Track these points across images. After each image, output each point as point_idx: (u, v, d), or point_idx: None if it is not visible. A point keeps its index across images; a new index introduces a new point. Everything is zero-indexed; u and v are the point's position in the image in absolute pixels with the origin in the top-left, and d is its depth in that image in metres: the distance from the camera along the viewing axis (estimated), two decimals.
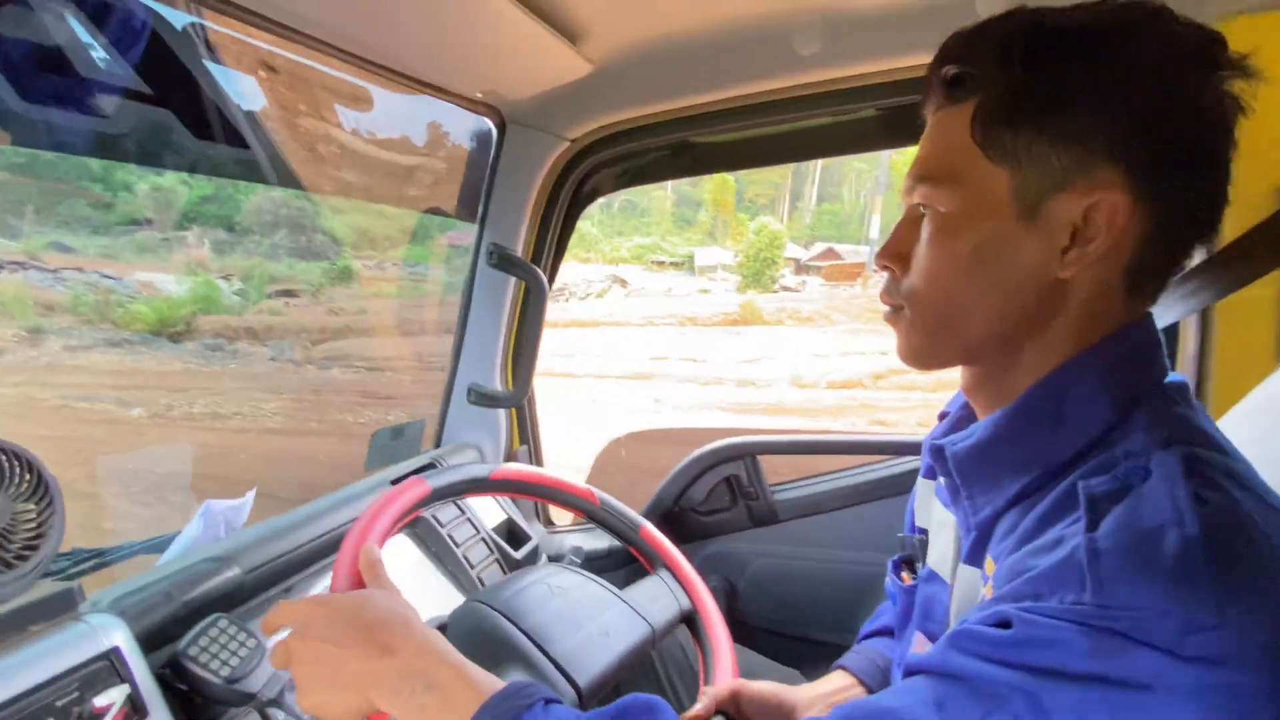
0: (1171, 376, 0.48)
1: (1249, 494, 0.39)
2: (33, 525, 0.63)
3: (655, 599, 0.87)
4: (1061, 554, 0.39)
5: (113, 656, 0.61)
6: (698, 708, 0.70)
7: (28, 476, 0.64)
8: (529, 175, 1.25)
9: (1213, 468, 0.40)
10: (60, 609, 0.62)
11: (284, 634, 0.54)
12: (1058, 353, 0.47)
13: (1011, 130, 0.44)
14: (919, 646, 0.60)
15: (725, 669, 0.79)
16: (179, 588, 0.75)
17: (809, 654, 0.94)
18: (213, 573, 0.79)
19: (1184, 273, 0.49)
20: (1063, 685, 0.36)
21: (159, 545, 0.94)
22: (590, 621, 0.78)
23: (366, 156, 1.13)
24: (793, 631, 1.25)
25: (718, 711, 0.70)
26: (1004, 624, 0.39)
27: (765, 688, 0.72)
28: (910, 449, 1.29)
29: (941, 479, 0.57)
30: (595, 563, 1.32)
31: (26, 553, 0.62)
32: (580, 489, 0.96)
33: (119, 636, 0.62)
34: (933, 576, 0.60)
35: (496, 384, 1.40)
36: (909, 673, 0.44)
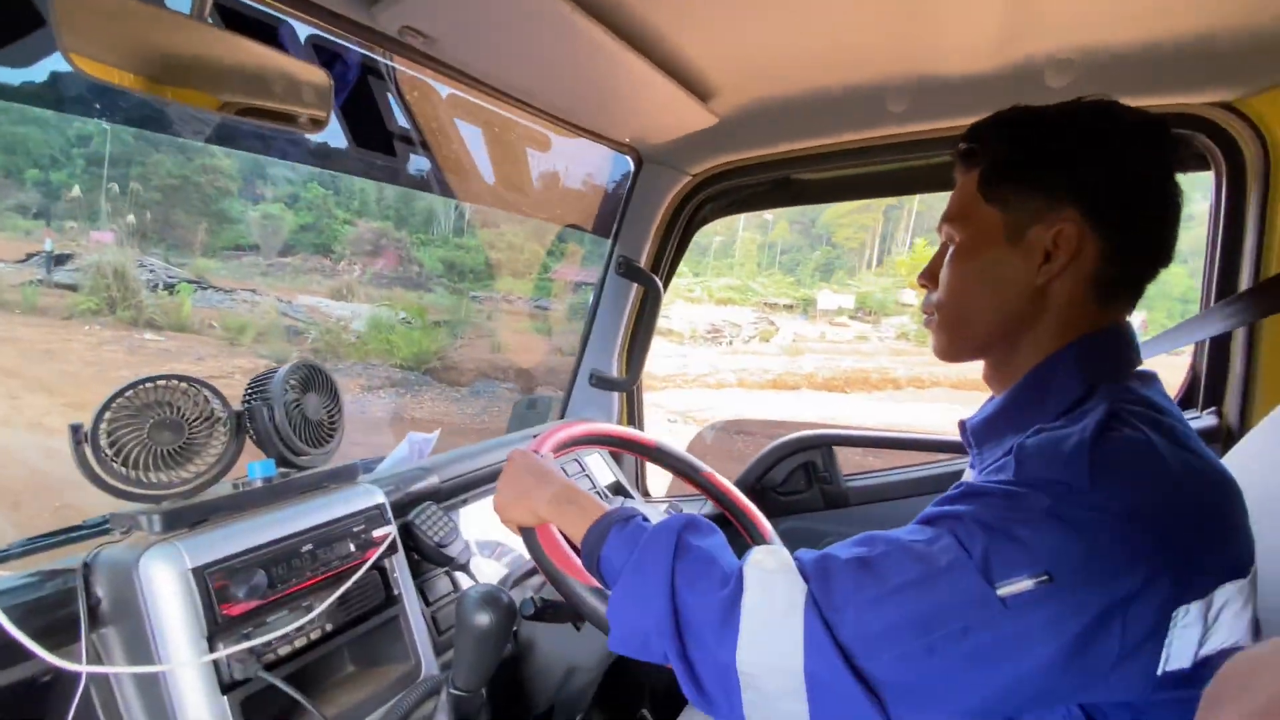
0: (1142, 369, 0.65)
1: (1166, 438, 0.55)
2: (333, 419, 0.95)
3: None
4: (1005, 459, 0.59)
5: (382, 509, 0.91)
6: None
7: (330, 387, 0.97)
8: (656, 202, 1.53)
9: (1137, 418, 0.56)
10: (349, 476, 0.93)
11: None
12: (1045, 347, 0.65)
13: (1002, 184, 0.66)
14: None
15: None
16: (404, 482, 1.06)
17: None
18: (421, 477, 1.11)
19: (1232, 296, 0.64)
20: (982, 512, 0.53)
21: (370, 465, 1.28)
22: None
23: (532, 184, 1.45)
24: None
25: None
26: (960, 489, 0.59)
27: None
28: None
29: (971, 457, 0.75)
30: None
31: (331, 434, 0.94)
32: (647, 439, 1.19)
33: (382, 498, 0.93)
34: None
35: (614, 371, 1.68)
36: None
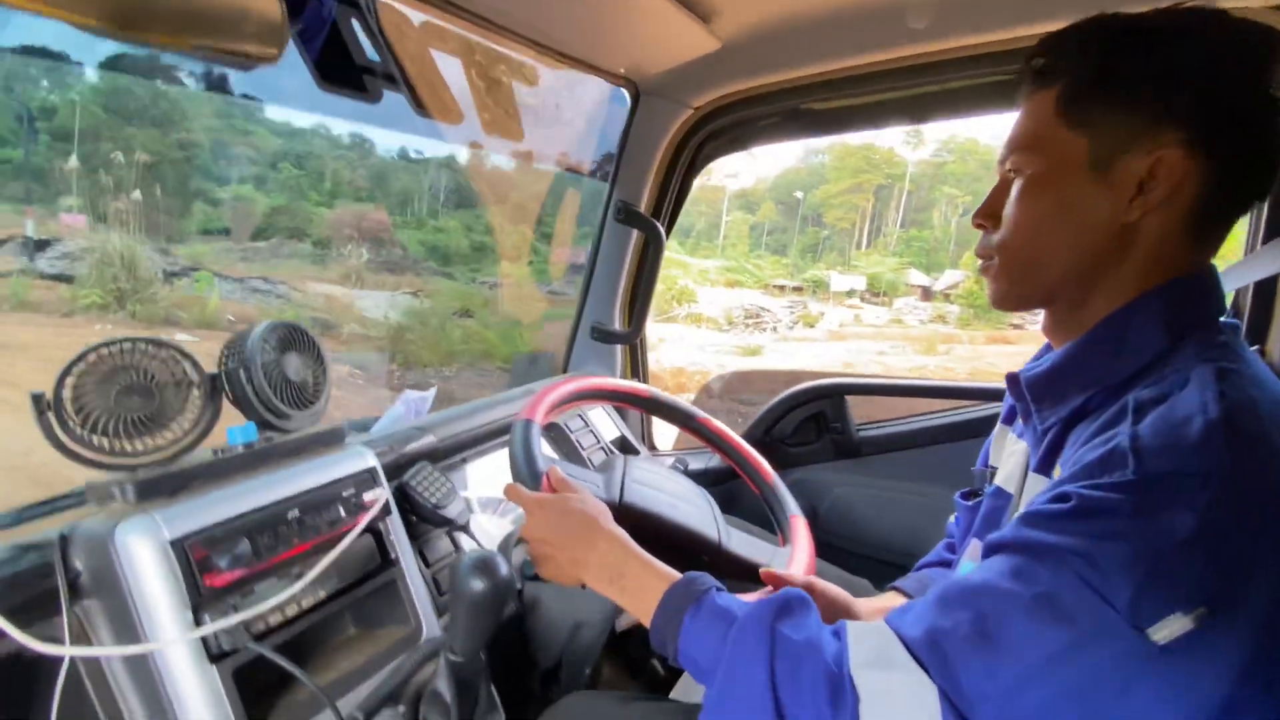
0: (1226, 320, 0.58)
1: (1268, 396, 0.49)
2: (317, 380, 0.91)
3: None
4: (1111, 445, 0.48)
5: (373, 472, 0.88)
6: (780, 573, 0.82)
7: (312, 348, 0.92)
8: (656, 140, 1.43)
9: (1239, 376, 0.50)
10: (335, 439, 0.89)
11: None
12: (1125, 292, 0.57)
13: (1090, 106, 0.56)
14: (973, 553, 0.72)
15: (803, 553, 0.94)
16: (399, 442, 1.03)
17: (878, 572, 1.08)
18: (417, 437, 1.07)
19: None
20: (1114, 544, 0.43)
21: (366, 425, 1.24)
22: (674, 496, 0.94)
23: (522, 125, 1.35)
24: (866, 552, 1.39)
25: None
26: (1063, 499, 0.47)
27: (835, 588, 0.83)
28: (986, 394, 1.37)
29: (1019, 415, 0.68)
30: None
31: (316, 396, 0.90)
32: (640, 388, 1.13)
33: (373, 461, 0.89)
34: (998, 493, 0.71)
35: (615, 324, 1.62)
36: (989, 549, 0.51)
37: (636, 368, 1.70)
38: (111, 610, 0.65)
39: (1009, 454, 0.72)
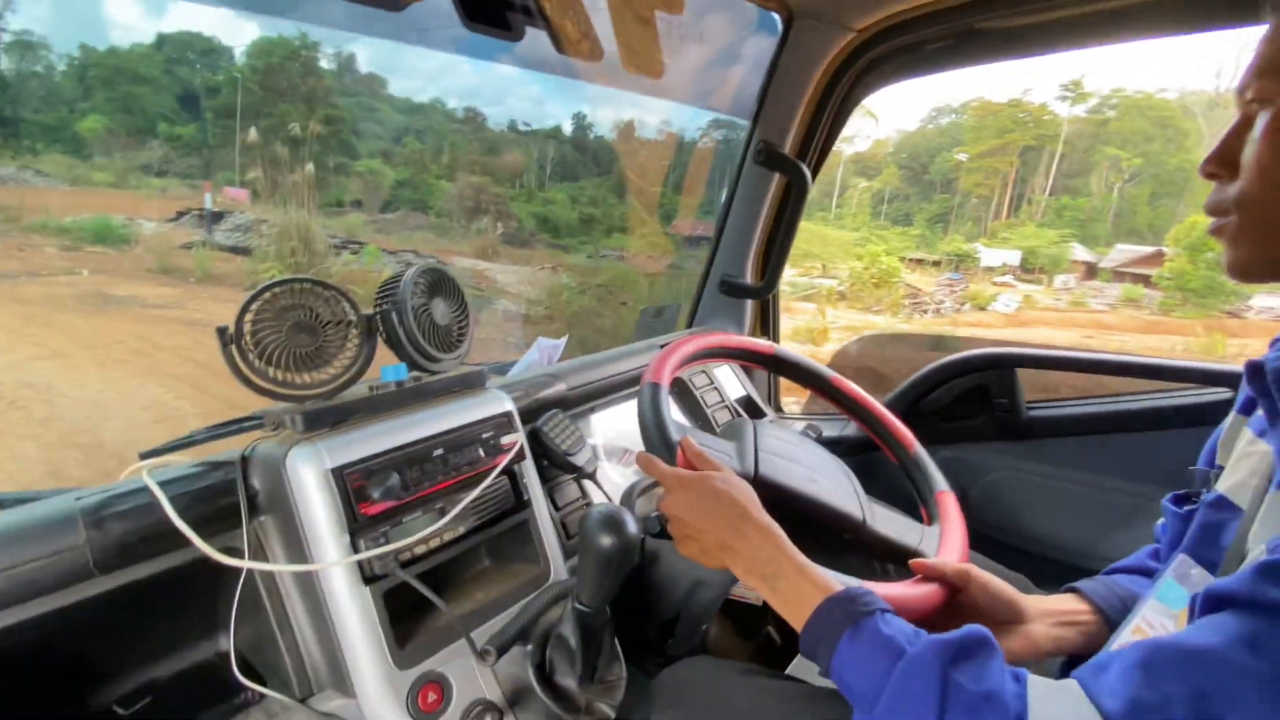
0: None
1: None
2: (461, 324, 0.93)
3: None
4: None
5: (509, 417, 0.89)
6: (931, 562, 0.72)
7: (456, 293, 0.94)
8: (807, 70, 1.28)
9: None
10: (477, 382, 0.91)
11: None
12: None
13: None
14: (1179, 570, 0.59)
15: (955, 535, 0.84)
16: (532, 388, 1.04)
17: (1037, 570, 0.94)
18: (549, 384, 1.08)
19: None
20: None
21: (503, 369, 1.28)
22: (811, 469, 0.86)
23: (662, 59, 1.27)
24: (1023, 545, 1.24)
25: (942, 581, 0.70)
26: None
27: (997, 581, 0.72)
28: (1208, 377, 1.12)
29: (1260, 407, 0.54)
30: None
31: (460, 341, 0.92)
32: (761, 345, 1.05)
33: (510, 405, 0.91)
34: (1222, 503, 0.58)
35: (747, 277, 1.53)
36: (1211, 601, 0.43)
37: (767, 324, 1.60)
38: (282, 527, 0.72)
39: (1242, 455, 0.58)
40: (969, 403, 1.34)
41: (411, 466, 0.77)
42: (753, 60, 1.35)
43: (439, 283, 0.90)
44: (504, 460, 0.85)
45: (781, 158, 1.37)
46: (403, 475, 0.75)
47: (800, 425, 1.53)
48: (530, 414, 1.00)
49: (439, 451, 0.80)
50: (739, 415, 1.37)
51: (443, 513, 0.78)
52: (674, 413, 1.29)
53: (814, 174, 1.41)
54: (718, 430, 1.33)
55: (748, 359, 1.06)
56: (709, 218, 1.67)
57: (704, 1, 1.19)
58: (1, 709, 0.63)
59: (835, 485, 0.85)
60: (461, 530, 0.81)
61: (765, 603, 0.62)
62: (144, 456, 0.78)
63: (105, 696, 0.71)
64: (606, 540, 0.68)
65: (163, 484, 0.68)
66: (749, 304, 1.56)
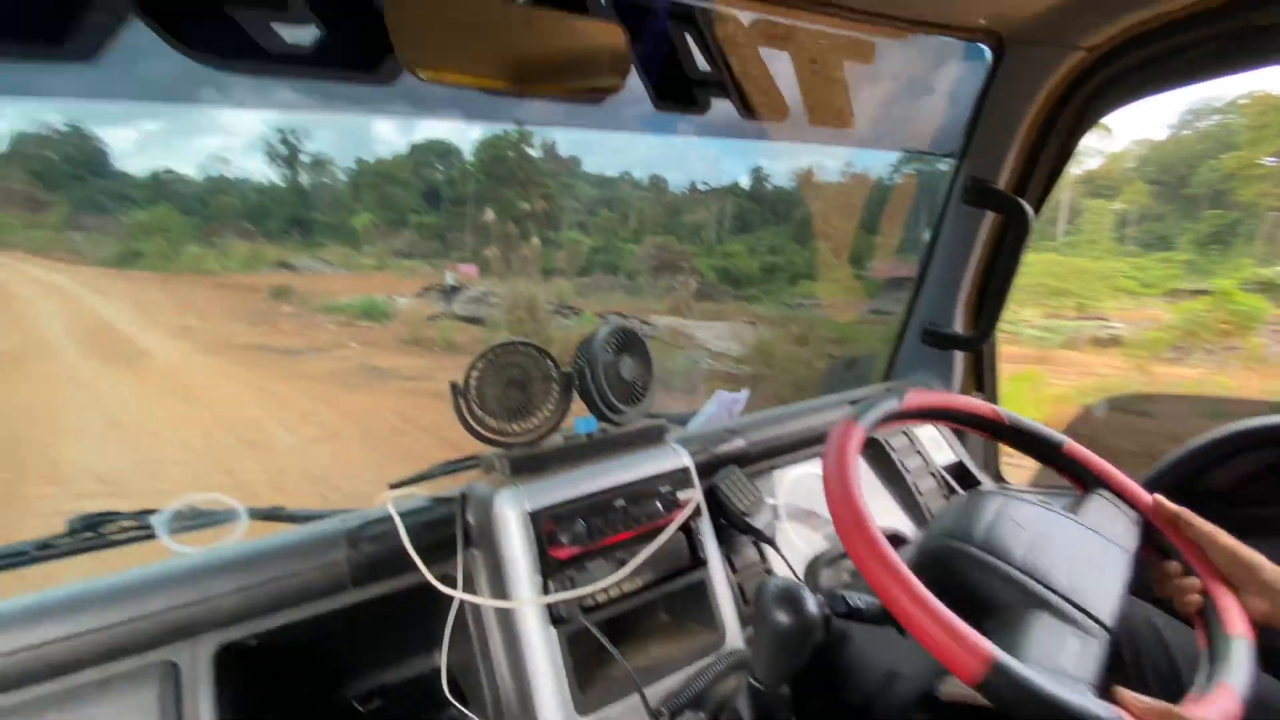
0: None
1: None
2: (644, 380, 0.98)
3: (1110, 521, 0.76)
4: None
5: (686, 472, 0.91)
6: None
7: (642, 350, 0.99)
8: (1025, 98, 1.15)
9: None
10: (657, 436, 0.95)
11: None
12: None
13: None
14: None
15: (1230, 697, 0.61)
16: (710, 443, 1.05)
17: None
18: (728, 440, 1.08)
19: None
20: None
21: (684, 420, 1.31)
22: (1068, 550, 0.72)
23: (853, 106, 1.23)
24: None
25: None
26: None
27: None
28: None
29: None
30: None
31: (642, 395, 0.97)
32: (984, 407, 0.89)
33: (687, 460, 0.92)
34: None
35: (956, 325, 1.38)
36: None
37: (981, 380, 1.42)
38: (489, 561, 0.81)
39: None
40: (1265, 485, 1.02)
41: (595, 515, 0.81)
42: (953, 93, 1.25)
43: (627, 341, 0.97)
44: (680, 516, 0.86)
45: (995, 194, 1.23)
46: (588, 523, 0.80)
47: (1032, 499, 1.31)
48: (708, 469, 1.01)
49: (620, 502, 0.84)
50: (947, 485, 1.22)
51: (622, 563, 0.81)
52: (865, 476, 1.20)
53: (1037, 209, 1.24)
54: (920, 501, 1.19)
55: (964, 423, 0.93)
56: (909, 256, 1.55)
57: (895, 43, 1.15)
58: (276, 690, 0.79)
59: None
60: (640, 583, 0.83)
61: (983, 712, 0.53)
62: (393, 487, 0.94)
63: (348, 692, 0.86)
64: (782, 618, 0.64)
65: (402, 514, 0.81)
66: (958, 356, 1.40)
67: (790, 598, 0.65)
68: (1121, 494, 0.81)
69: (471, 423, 0.84)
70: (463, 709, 0.81)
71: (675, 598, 0.89)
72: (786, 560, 0.99)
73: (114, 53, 0.60)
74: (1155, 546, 0.78)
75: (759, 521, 0.96)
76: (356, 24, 0.68)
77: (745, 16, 1.02)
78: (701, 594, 0.89)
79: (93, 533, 0.82)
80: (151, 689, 0.66)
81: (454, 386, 0.84)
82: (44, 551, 0.80)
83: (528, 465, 0.84)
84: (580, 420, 0.91)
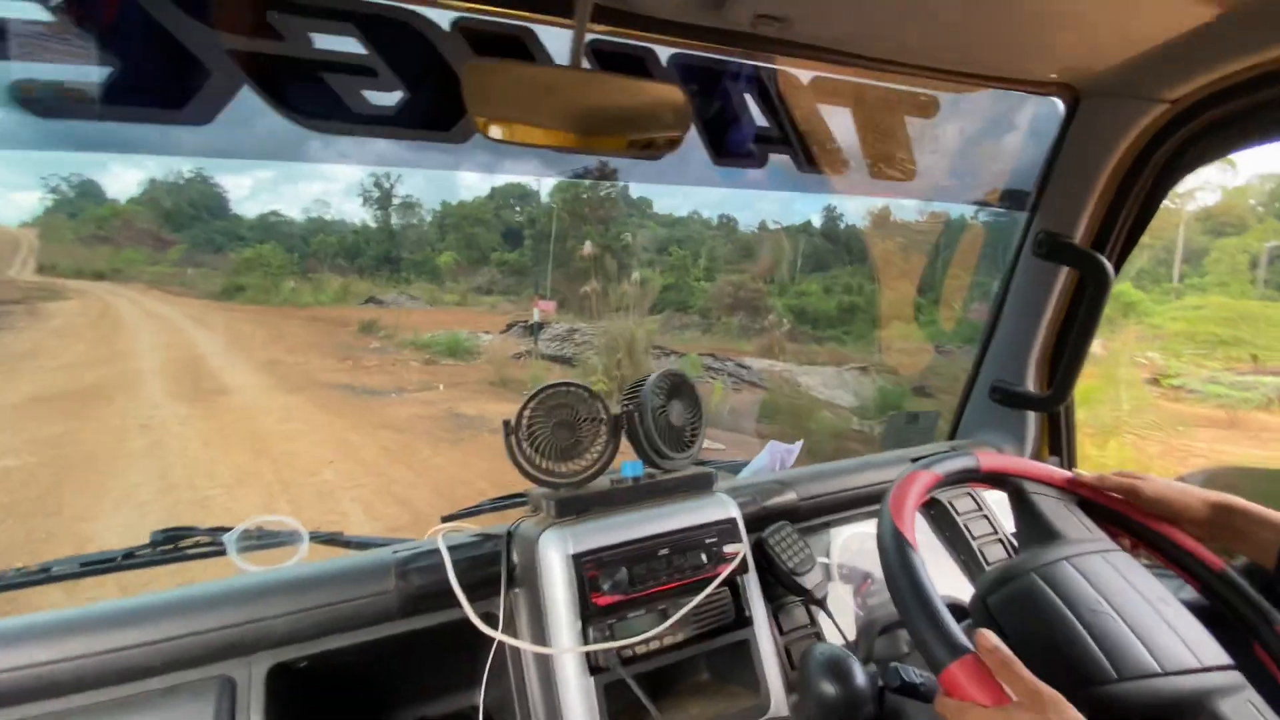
0: None
1: None
2: (694, 427, 0.98)
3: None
4: None
5: (734, 524, 0.89)
6: None
7: (692, 397, 0.99)
8: (1102, 151, 1.10)
9: None
10: (705, 484, 0.93)
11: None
12: None
13: None
14: None
15: None
16: (760, 495, 1.03)
17: None
18: (779, 491, 1.05)
19: None
20: None
21: (735, 468, 1.29)
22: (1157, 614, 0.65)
23: (915, 161, 1.22)
24: None
25: None
26: None
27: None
28: None
29: None
30: None
31: (691, 442, 0.96)
32: (1055, 473, 0.81)
33: (735, 512, 0.90)
34: None
35: (1028, 384, 1.30)
36: None
37: (1057, 443, 1.33)
38: (531, 602, 0.81)
39: None
40: None
41: (638, 563, 0.81)
42: (1022, 145, 1.22)
43: (678, 387, 0.97)
44: (725, 571, 0.84)
45: (1070, 249, 1.17)
46: (630, 571, 0.79)
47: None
48: (757, 522, 0.98)
49: (664, 551, 0.83)
50: (1014, 551, 1.13)
51: (664, 615, 0.79)
52: (926, 539, 1.13)
53: (1118, 265, 1.18)
54: (987, 568, 1.11)
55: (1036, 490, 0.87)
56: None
57: (959, 99, 1.14)
58: (323, 714, 0.81)
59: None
60: (681, 637, 0.81)
61: None
62: (444, 520, 0.97)
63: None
64: (828, 688, 0.61)
65: (451, 548, 0.83)
66: (1031, 416, 1.32)
67: (838, 667, 0.62)
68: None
69: (521, 461, 0.85)
70: None
71: (718, 656, 0.86)
72: (837, 625, 0.94)
73: (227, 114, 0.68)
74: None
75: (809, 581, 0.93)
76: (435, 89, 0.74)
77: (806, 75, 1.04)
78: (745, 654, 0.85)
79: (171, 545, 0.88)
80: (209, 702, 0.69)
81: (506, 424, 0.86)
82: (129, 560, 0.87)
83: (573, 506, 0.84)
84: (628, 464, 0.91)
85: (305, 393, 9.34)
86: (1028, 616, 0.64)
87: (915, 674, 0.75)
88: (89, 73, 0.62)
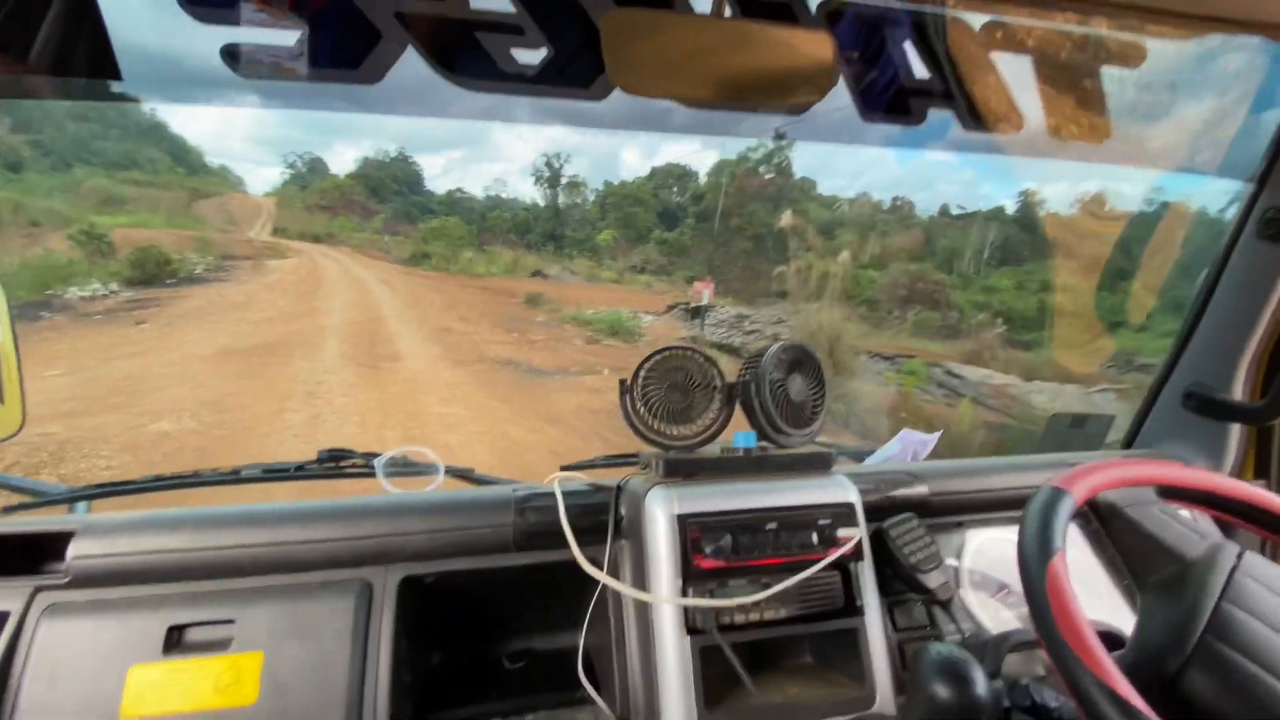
0: None
1: None
2: (815, 403, 0.93)
3: None
4: None
5: (851, 509, 0.84)
6: None
7: (815, 371, 0.94)
8: None
9: None
10: (822, 465, 0.89)
11: None
12: None
13: None
14: None
15: None
16: (885, 483, 0.96)
17: None
18: (907, 483, 0.97)
19: None
20: None
21: (861, 455, 1.21)
22: None
23: (1109, 118, 1.05)
24: None
25: None
26: None
27: None
28: None
29: None
30: None
31: (812, 419, 0.92)
32: (1270, 499, 0.65)
33: (853, 496, 0.85)
34: None
35: (1235, 391, 1.08)
36: None
37: (1264, 464, 1.10)
38: (634, 555, 0.82)
39: None
40: None
41: (744, 533, 0.79)
42: (1251, 103, 0.99)
43: (800, 360, 0.93)
44: (836, 553, 0.79)
45: None
46: (735, 539, 0.78)
47: None
48: (879, 512, 0.91)
49: (772, 526, 0.80)
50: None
51: (766, 587, 0.77)
52: (1083, 555, 1.00)
53: None
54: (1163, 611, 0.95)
55: (1234, 513, 0.73)
56: None
57: (1173, 44, 0.95)
58: (442, 628, 0.89)
59: None
60: (783, 614, 0.78)
61: None
62: (562, 469, 1.01)
63: (500, 649, 0.93)
64: (942, 692, 0.56)
65: (565, 493, 0.86)
66: (1233, 430, 1.11)
67: (955, 670, 0.56)
68: None
69: (634, 420, 0.86)
70: (593, 692, 0.83)
71: (823, 641, 0.82)
72: (961, 630, 0.86)
73: (393, 74, 0.74)
74: None
75: (932, 580, 0.85)
76: (576, 44, 0.75)
77: (977, 19, 0.92)
78: (853, 644, 0.80)
79: (334, 463, 1.01)
80: (350, 599, 0.79)
81: (621, 384, 0.88)
82: (299, 471, 1.00)
83: (682, 469, 0.84)
84: (741, 434, 0.89)
85: (471, 368, 9.06)
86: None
87: (1051, 697, 0.67)
88: (285, 35, 0.70)
